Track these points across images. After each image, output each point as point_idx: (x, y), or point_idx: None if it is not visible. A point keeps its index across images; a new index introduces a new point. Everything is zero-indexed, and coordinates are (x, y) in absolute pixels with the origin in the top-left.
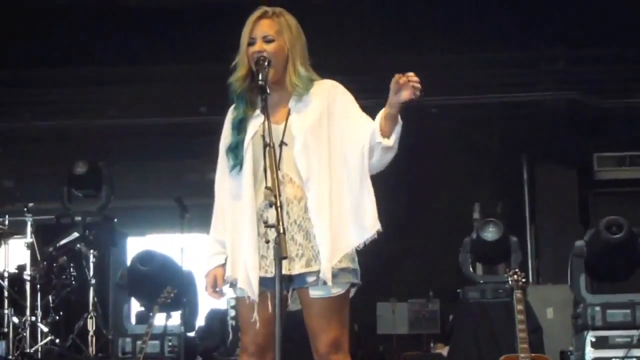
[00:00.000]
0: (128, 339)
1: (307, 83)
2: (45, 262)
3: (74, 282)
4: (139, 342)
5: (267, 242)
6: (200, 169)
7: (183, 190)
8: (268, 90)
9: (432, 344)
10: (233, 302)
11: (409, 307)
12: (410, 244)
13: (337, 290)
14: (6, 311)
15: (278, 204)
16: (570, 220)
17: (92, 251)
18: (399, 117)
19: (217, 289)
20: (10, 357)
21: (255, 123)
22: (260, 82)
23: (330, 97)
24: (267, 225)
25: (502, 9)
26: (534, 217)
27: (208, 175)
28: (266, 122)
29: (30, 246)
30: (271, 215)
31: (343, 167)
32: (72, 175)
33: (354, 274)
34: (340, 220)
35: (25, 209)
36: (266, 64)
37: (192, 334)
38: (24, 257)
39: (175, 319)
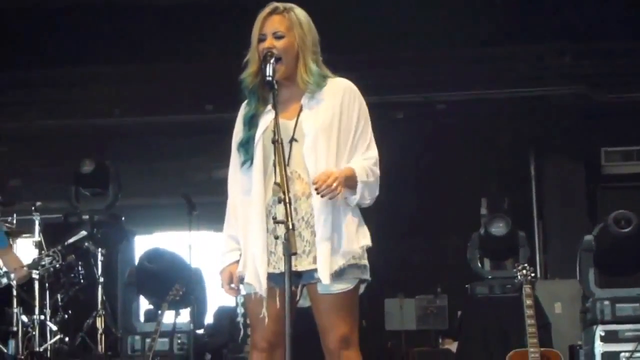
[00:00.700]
0: (137, 337)
1: (318, 79)
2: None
3: (82, 281)
4: (148, 340)
5: (276, 237)
6: (207, 166)
7: (190, 188)
8: (276, 86)
9: (440, 340)
10: (242, 299)
11: (417, 303)
12: (417, 239)
13: (345, 286)
14: (15, 310)
15: (287, 200)
16: (578, 215)
17: (100, 249)
18: (357, 179)
19: (233, 286)
20: (19, 355)
21: (267, 119)
22: (267, 78)
23: (345, 100)
24: (276, 222)
25: (508, 4)
26: (541, 211)
27: (214, 173)
28: (278, 118)
29: (38, 245)
30: (280, 211)
31: None
32: (79, 173)
33: (363, 270)
34: (348, 219)
35: (33, 208)
36: (272, 59)
37: (201, 331)
38: (32, 256)
39: (184, 316)
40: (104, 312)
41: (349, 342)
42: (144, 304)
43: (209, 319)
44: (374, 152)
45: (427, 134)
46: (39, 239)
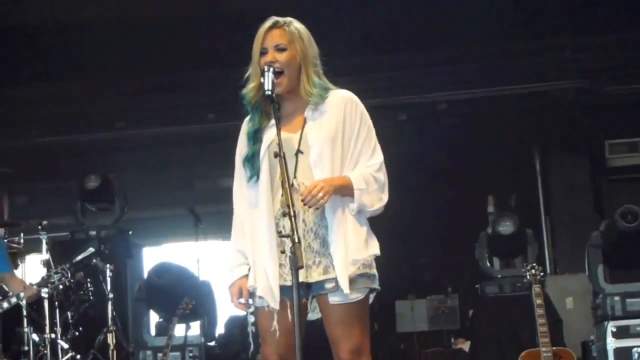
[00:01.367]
0: (149, 352)
1: (321, 91)
2: (61, 282)
3: (92, 297)
4: (159, 355)
5: (282, 252)
6: (211, 175)
7: (195, 198)
8: (276, 99)
9: (452, 340)
10: (252, 309)
11: (428, 303)
12: (425, 241)
13: (356, 296)
14: (26, 329)
15: (292, 213)
16: (585, 209)
17: (108, 265)
18: (353, 187)
19: (243, 300)
20: None
21: (271, 133)
22: (267, 92)
23: (348, 110)
24: (282, 236)
25: (507, 1)
26: (548, 207)
27: (219, 182)
28: (280, 132)
29: (46, 263)
30: (286, 224)
31: None
32: (84, 189)
33: (373, 279)
34: (356, 227)
35: (40, 227)
36: (270, 72)
37: (212, 344)
38: (41, 274)
39: (194, 329)
40: (114, 328)
41: (360, 352)
42: (155, 318)
43: (220, 330)
44: (378, 158)
45: (431, 135)
46: (47, 257)
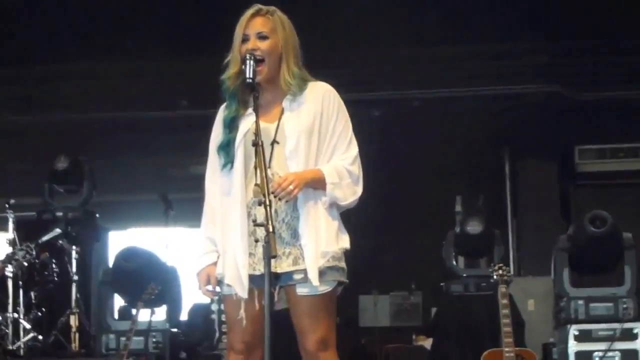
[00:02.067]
0: (112, 335)
1: (300, 82)
2: (26, 260)
3: (56, 278)
4: (122, 339)
5: (257, 240)
6: (183, 163)
7: (166, 185)
8: (257, 87)
9: (414, 336)
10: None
11: (391, 299)
12: (391, 237)
13: (324, 288)
14: None
15: (267, 202)
16: (552, 213)
17: (74, 247)
18: (325, 180)
19: (210, 287)
20: None
21: (247, 121)
22: (248, 80)
23: (325, 103)
24: (257, 224)
25: (483, 2)
26: (515, 209)
27: (191, 169)
28: (259, 121)
29: (12, 242)
30: (260, 213)
31: None
32: (53, 170)
33: (342, 273)
34: (328, 220)
35: (7, 206)
36: (252, 60)
37: (176, 330)
38: (5, 252)
39: (159, 314)
40: (78, 310)
41: (327, 344)
42: (119, 302)
43: (184, 317)
44: (353, 151)
45: (403, 132)
46: (13, 236)
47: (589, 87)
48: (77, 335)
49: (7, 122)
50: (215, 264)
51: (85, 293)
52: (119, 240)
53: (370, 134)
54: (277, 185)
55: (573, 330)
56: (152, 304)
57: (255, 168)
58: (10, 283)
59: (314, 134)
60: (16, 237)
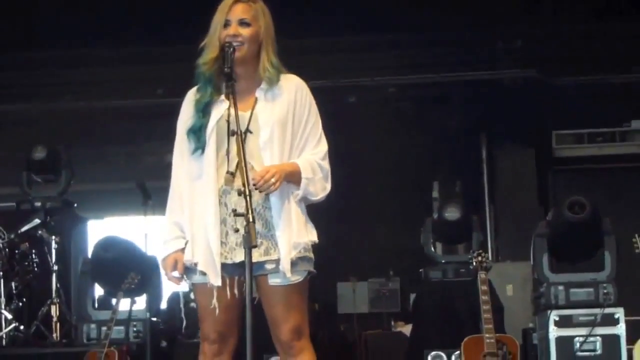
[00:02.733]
0: (92, 325)
1: (277, 72)
2: (7, 249)
3: (36, 269)
4: (103, 328)
5: (236, 230)
6: (159, 151)
7: (142, 173)
8: (235, 77)
9: (392, 323)
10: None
11: (370, 286)
12: (369, 223)
13: (296, 278)
14: None
15: (247, 192)
16: (529, 198)
17: (53, 237)
18: (301, 174)
19: (177, 274)
20: None
21: (220, 108)
22: (226, 70)
23: (298, 96)
24: (237, 214)
25: None
26: (493, 195)
27: (167, 158)
28: (232, 109)
29: None
30: (232, 202)
31: None
32: (31, 160)
33: (311, 263)
34: (298, 213)
35: None
36: (231, 50)
37: (156, 319)
38: None
39: (139, 304)
40: (58, 300)
41: (300, 333)
42: (99, 292)
43: (164, 306)
44: (323, 147)
45: (379, 118)
46: None
47: (565, 72)
48: (58, 325)
49: None
50: (182, 250)
51: (65, 283)
52: (97, 230)
53: (346, 120)
54: (259, 178)
55: (553, 315)
56: (132, 293)
57: (228, 154)
58: None
59: (287, 125)
60: None
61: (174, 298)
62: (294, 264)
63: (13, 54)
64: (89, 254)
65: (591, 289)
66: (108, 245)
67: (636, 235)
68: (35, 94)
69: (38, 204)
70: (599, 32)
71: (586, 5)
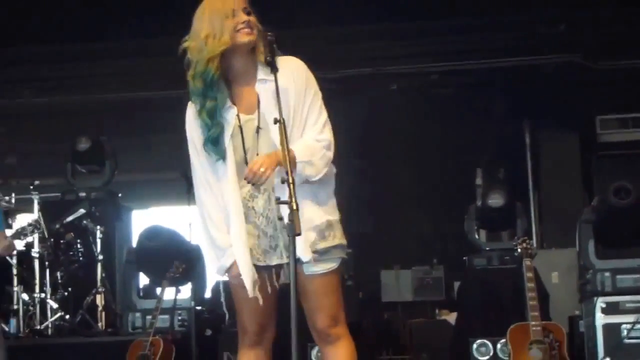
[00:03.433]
0: (137, 314)
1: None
2: (52, 239)
3: (81, 258)
4: (148, 317)
5: (280, 219)
6: None
7: (186, 163)
8: (233, 74)
9: (437, 311)
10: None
11: (413, 274)
12: (412, 211)
13: (331, 265)
14: (15, 289)
15: (290, 180)
16: (574, 184)
17: (98, 227)
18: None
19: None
20: (20, 334)
21: (230, 114)
22: (268, 58)
23: (296, 77)
24: (279, 202)
25: None
26: (537, 181)
27: None
28: (241, 115)
29: (36, 223)
30: (260, 205)
31: None
32: (75, 151)
33: (344, 249)
34: (307, 196)
35: (32, 187)
36: (273, 38)
37: (200, 308)
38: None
39: (184, 293)
40: (103, 290)
41: (337, 320)
42: (143, 281)
43: (208, 295)
44: (322, 117)
45: (422, 105)
46: (38, 217)
47: (608, 57)
48: (103, 314)
49: (27, 104)
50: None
51: (110, 272)
52: (141, 220)
53: (389, 108)
54: (248, 171)
55: (600, 302)
56: (176, 282)
57: (245, 158)
58: (36, 264)
59: (290, 114)
60: (41, 217)
61: (219, 287)
62: (327, 252)
63: (58, 46)
64: (134, 244)
65: (638, 275)
66: (152, 235)
67: None
68: (79, 86)
69: (83, 194)
70: None
71: None
